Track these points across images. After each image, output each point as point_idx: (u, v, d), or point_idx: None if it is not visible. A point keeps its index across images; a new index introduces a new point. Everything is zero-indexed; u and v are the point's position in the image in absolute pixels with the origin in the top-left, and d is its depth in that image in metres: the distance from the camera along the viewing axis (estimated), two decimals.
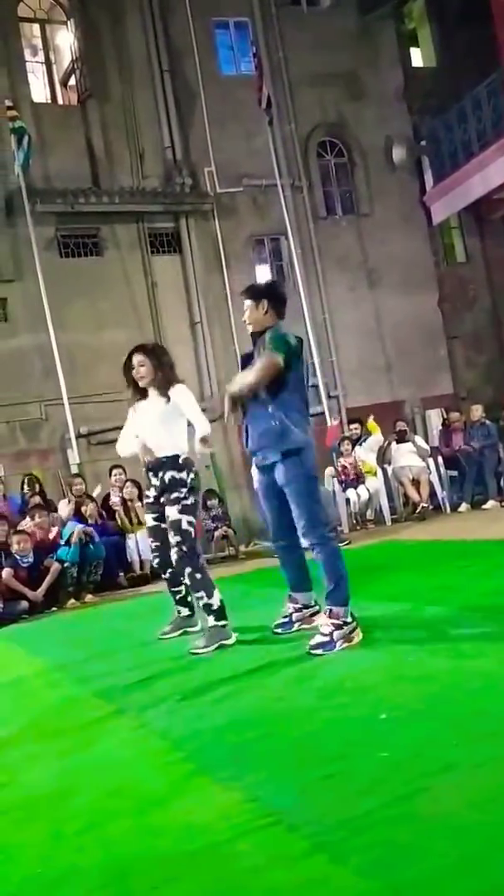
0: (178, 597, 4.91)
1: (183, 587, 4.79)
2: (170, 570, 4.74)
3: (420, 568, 6.07)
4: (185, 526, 4.35)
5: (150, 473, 4.59)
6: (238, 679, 3.54)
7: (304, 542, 4.07)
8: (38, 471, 10.79)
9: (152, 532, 4.81)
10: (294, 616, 4.34)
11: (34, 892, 1.98)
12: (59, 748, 3.07)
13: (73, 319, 11.84)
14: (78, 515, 8.54)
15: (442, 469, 10.31)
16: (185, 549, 4.34)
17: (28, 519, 8.40)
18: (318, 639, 3.80)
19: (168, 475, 4.45)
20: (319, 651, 3.73)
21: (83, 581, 8.06)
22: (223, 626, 4.31)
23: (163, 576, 4.93)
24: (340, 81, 14.34)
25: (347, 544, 8.53)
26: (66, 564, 7.86)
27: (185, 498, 4.40)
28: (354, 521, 10.05)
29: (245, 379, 4.01)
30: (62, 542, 8.11)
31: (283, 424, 3.96)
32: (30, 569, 7.69)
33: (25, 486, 9.36)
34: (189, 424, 4.54)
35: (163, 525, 4.56)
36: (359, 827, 1.91)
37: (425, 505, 9.75)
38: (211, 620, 4.31)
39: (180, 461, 4.46)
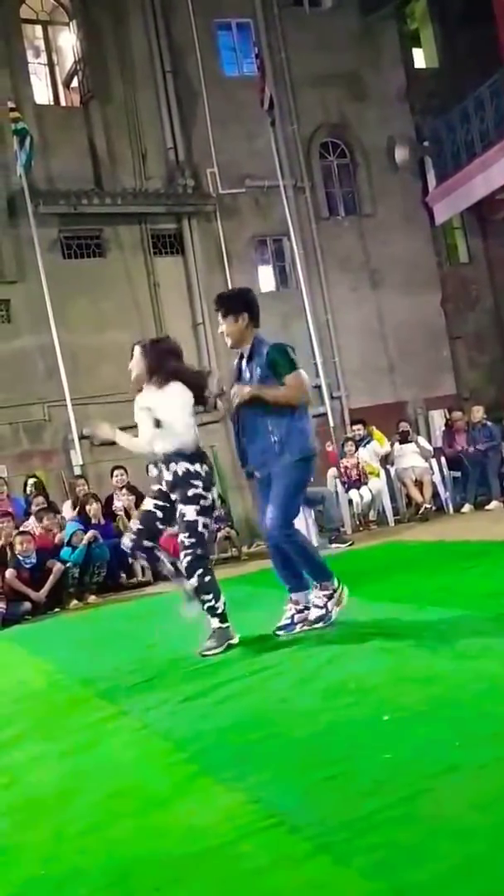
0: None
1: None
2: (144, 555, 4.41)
3: (423, 569, 6.06)
4: (200, 528, 4.22)
5: (163, 466, 4.30)
6: (241, 680, 3.53)
7: (270, 537, 4.24)
8: (41, 472, 10.79)
9: (142, 514, 4.42)
10: (296, 617, 4.33)
11: (37, 893, 1.98)
12: (61, 749, 3.07)
13: (75, 320, 11.85)
14: (81, 516, 8.54)
15: (445, 470, 10.30)
16: (198, 552, 4.24)
17: (33, 520, 8.40)
18: (316, 612, 4.22)
19: (181, 467, 4.22)
20: (320, 624, 4.18)
21: (86, 582, 8.07)
22: (226, 627, 4.32)
23: (134, 558, 4.46)
24: (343, 82, 14.33)
25: (350, 545, 8.54)
26: (68, 565, 7.86)
27: (204, 497, 4.22)
28: (357, 522, 10.05)
29: (269, 394, 4.10)
30: (65, 543, 8.12)
31: (282, 441, 4.13)
32: (32, 570, 7.69)
33: (29, 488, 9.35)
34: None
35: (159, 514, 4.31)
36: (362, 828, 1.91)
37: (428, 506, 9.74)
38: (216, 623, 4.31)
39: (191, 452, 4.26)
